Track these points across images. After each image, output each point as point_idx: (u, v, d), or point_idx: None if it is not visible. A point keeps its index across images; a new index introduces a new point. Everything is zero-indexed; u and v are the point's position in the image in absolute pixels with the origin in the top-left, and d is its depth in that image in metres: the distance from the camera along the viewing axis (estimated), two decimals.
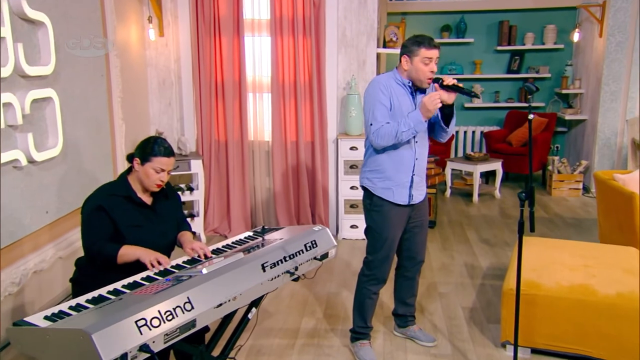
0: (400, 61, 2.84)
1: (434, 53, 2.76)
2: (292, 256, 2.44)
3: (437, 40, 7.73)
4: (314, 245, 2.60)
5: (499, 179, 6.72)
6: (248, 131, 5.15)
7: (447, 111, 2.86)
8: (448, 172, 6.69)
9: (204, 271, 2.11)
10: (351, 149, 4.95)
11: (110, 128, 4.34)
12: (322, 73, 4.97)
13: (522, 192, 2.47)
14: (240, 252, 2.34)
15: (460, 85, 2.74)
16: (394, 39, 5.41)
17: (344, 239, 5.13)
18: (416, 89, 2.89)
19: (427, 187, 5.33)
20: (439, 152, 7.14)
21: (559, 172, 6.80)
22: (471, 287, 4.07)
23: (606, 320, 2.93)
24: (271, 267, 2.31)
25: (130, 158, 2.57)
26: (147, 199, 2.59)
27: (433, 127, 3.01)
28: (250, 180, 5.26)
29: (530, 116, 2.38)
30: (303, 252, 2.51)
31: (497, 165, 6.65)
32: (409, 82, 2.85)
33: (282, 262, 2.37)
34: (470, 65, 7.90)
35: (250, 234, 2.82)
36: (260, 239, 2.69)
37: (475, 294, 3.96)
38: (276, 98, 5.04)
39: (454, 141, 7.88)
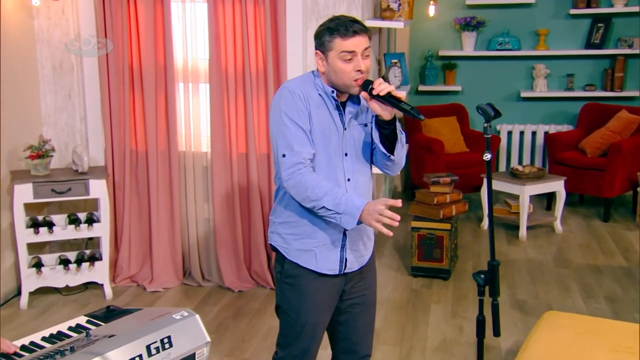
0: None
1: (357, 42, 2.46)
2: None
3: (481, 2, 7.54)
4: (166, 345, 2.29)
5: (561, 205, 6.34)
6: (178, 138, 4.97)
7: (386, 131, 2.53)
8: (484, 194, 6.31)
9: None
10: None
11: None
12: (282, 56, 4.74)
13: (479, 272, 2.18)
14: None
15: (400, 95, 2.44)
16: (395, 7, 5.08)
17: None
18: (346, 100, 2.62)
19: (440, 220, 5.07)
20: (474, 165, 6.72)
21: None
22: None
23: None
24: None
25: None
26: None
27: (375, 153, 2.72)
28: (182, 208, 5.07)
29: (487, 157, 2.03)
30: None
31: (556, 186, 6.27)
32: (332, 92, 2.57)
33: None
34: (531, 36, 7.63)
35: (83, 322, 2.52)
36: (84, 334, 2.37)
37: None
38: (217, 91, 4.83)
39: (501, 147, 7.52)
